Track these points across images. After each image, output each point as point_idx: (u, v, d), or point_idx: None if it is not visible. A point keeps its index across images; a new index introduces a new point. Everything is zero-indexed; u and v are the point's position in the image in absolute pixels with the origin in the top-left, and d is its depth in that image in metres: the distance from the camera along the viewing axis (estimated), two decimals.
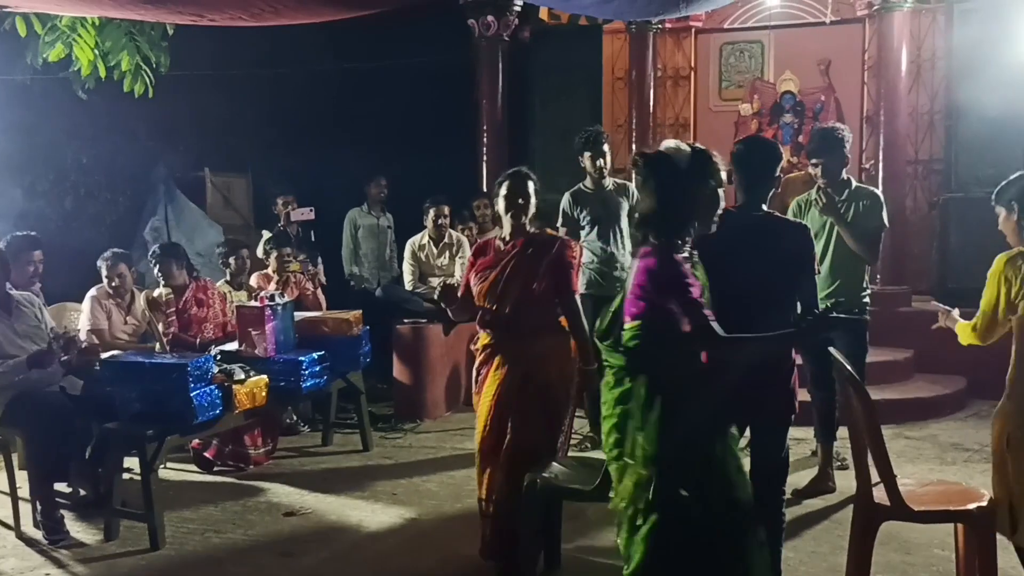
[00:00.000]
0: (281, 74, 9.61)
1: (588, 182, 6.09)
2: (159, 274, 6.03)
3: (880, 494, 3.51)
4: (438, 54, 9.25)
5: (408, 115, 9.61)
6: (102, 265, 5.82)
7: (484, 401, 4.08)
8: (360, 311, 6.30)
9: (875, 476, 3.57)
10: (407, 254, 7.53)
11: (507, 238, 4.14)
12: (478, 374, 4.20)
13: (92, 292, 5.83)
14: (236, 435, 5.72)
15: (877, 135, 7.75)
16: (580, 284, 6.09)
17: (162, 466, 5.18)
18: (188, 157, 9.53)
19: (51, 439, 4.77)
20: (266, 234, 7.41)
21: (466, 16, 8.42)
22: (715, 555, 2.88)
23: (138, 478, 4.77)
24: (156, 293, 6.02)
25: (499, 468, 3.99)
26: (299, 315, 5.97)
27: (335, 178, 8.63)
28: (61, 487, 5.05)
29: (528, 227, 4.10)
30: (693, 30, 9.08)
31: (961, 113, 8.01)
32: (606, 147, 6.00)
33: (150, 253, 6.30)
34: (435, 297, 4.31)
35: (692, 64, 9.18)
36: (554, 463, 4.11)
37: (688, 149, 3.02)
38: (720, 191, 3.09)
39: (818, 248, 4.90)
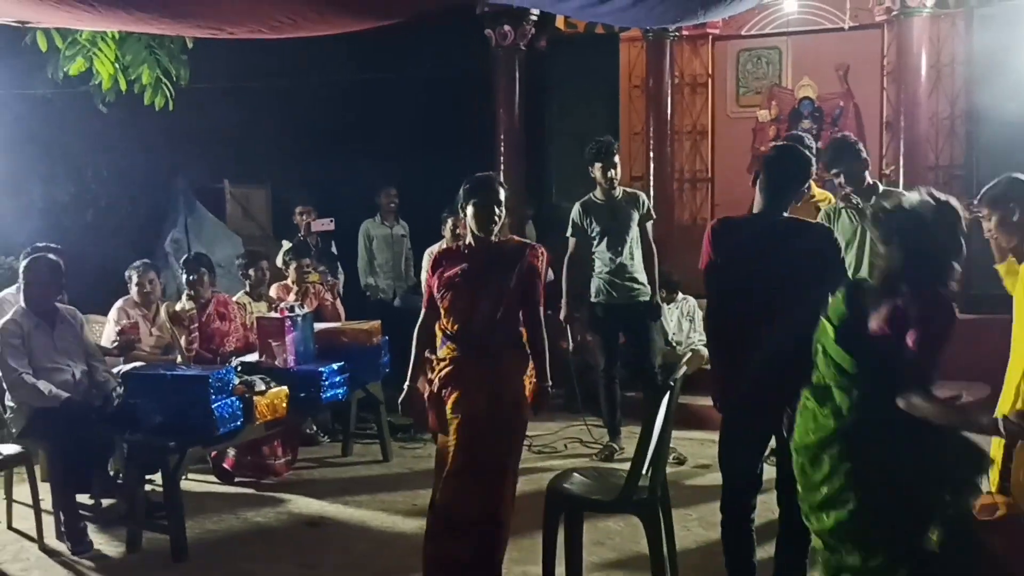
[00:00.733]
0: (299, 85, 9.65)
1: (598, 192, 6.09)
2: (190, 284, 6.04)
3: None
4: (455, 64, 9.27)
5: (425, 125, 9.64)
6: (132, 273, 5.87)
7: (452, 421, 3.83)
8: (379, 321, 6.31)
9: None
10: (425, 263, 7.53)
11: (472, 245, 3.94)
12: (440, 391, 3.90)
13: (119, 303, 5.89)
14: (255, 446, 5.73)
15: (897, 141, 7.69)
16: (591, 293, 6.14)
17: (184, 478, 5.19)
18: (207, 169, 9.59)
19: (73, 451, 4.81)
20: (286, 244, 7.43)
21: (483, 26, 8.43)
22: None
23: (160, 490, 4.79)
24: (178, 307, 6.05)
25: (467, 488, 3.77)
26: (319, 326, 5.98)
27: (353, 188, 8.67)
28: (84, 499, 5.08)
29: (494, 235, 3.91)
30: (710, 37, 9.04)
31: (981, 118, 7.94)
32: (616, 157, 6.00)
33: (182, 265, 6.30)
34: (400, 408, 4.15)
35: (709, 71, 9.15)
36: (575, 473, 4.10)
37: (931, 200, 2.97)
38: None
39: (851, 257, 4.91)
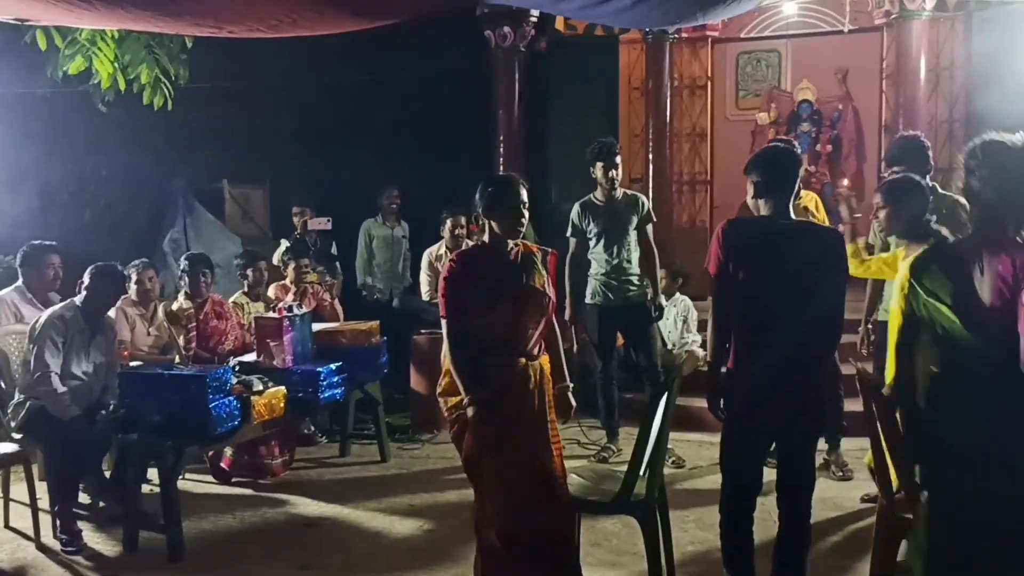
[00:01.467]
0: (298, 86, 9.66)
1: (599, 193, 6.08)
2: (188, 284, 6.04)
3: (903, 507, 3.48)
4: (454, 65, 9.27)
5: (425, 126, 9.64)
6: (131, 272, 5.86)
7: (513, 435, 3.67)
8: (377, 322, 6.31)
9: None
10: (424, 264, 7.53)
11: (497, 250, 3.77)
12: (482, 409, 3.65)
13: (117, 302, 5.87)
14: (253, 446, 5.72)
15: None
16: (587, 294, 6.14)
17: (181, 477, 5.18)
18: (206, 169, 9.58)
19: (69, 451, 4.80)
20: (284, 244, 7.43)
21: (483, 27, 8.43)
22: None
23: (157, 489, 4.78)
24: (175, 306, 6.05)
25: (543, 505, 3.67)
26: (317, 326, 5.97)
27: (352, 188, 8.67)
28: (83, 498, 5.08)
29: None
30: (710, 39, 9.06)
31: (980, 122, 7.93)
32: (618, 158, 5.99)
33: (180, 264, 6.28)
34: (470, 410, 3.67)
35: (709, 73, 9.16)
36: (572, 474, 4.09)
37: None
38: None
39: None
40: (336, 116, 10.10)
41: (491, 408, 3.64)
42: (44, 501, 4.94)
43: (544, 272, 3.80)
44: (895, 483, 3.54)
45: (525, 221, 3.75)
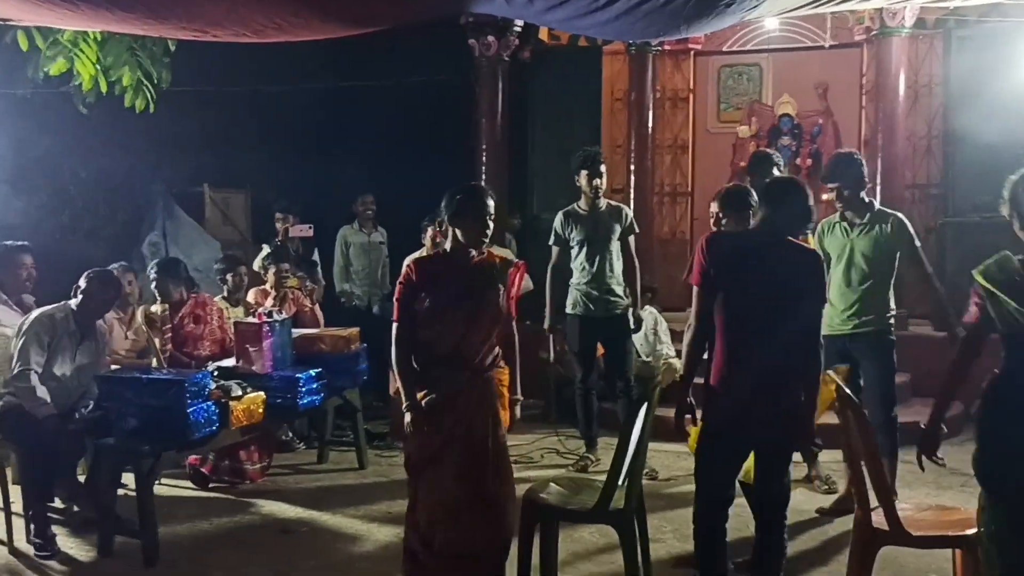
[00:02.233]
0: (281, 91, 9.63)
1: (582, 202, 6.10)
2: (156, 291, 6.01)
3: (879, 519, 3.51)
4: (437, 73, 9.29)
5: (407, 133, 9.64)
6: None
7: (448, 451, 3.69)
8: (357, 328, 6.29)
9: (873, 501, 3.58)
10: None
11: (458, 259, 3.76)
12: (430, 422, 3.67)
13: (110, 311, 5.81)
14: (232, 451, 5.70)
15: (875, 159, 7.77)
16: (568, 304, 6.15)
17: (157, 482, 5.14)
18: (187, 172, 9.54)
19: (42, 451, 4.75)
20: (265, 248, 7.40)
21: (466, 36, 8.45)
22: None
23: (133, 494, 4.74)
24: (153, 309, 6.01)
25: (482, 520, 3.69)
26: (296, 332, 5.96)
27: (334, 195, 8.66)
28: (57, 502, 5.03)
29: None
30: (692, 52, 9.12)
31: (958, 139, 8.05)
32: (602, 167, 6.02)
33: (148, 269, 6.27)
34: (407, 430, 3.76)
35: (691, 86, 9.22)
36: (551, 483, 4.10)
37: None
38: None
39: (839, 271, 4.98)
40: (319, 122, 10.09)
41: (431, 420, 3.67)
42: (18, 505, 4.90)
43: (502, 284, 3.79)
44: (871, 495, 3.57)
45: (490, 232, 3.76)
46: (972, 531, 3.38)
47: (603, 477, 3.88)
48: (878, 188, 7.60)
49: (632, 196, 8.59)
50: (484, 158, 8.52)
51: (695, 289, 3.69)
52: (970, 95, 7.72)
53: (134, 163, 9.15)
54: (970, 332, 3.11)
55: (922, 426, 3.32)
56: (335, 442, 6.65)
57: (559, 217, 6.18)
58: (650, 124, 8.73)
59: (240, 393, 5.05)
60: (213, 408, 4.77)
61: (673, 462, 6.16)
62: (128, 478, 4.92)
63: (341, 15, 4.38)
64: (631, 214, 6.21)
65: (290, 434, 6.77)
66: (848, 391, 3.66)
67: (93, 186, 9.31)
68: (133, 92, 6.32)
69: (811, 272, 3.63)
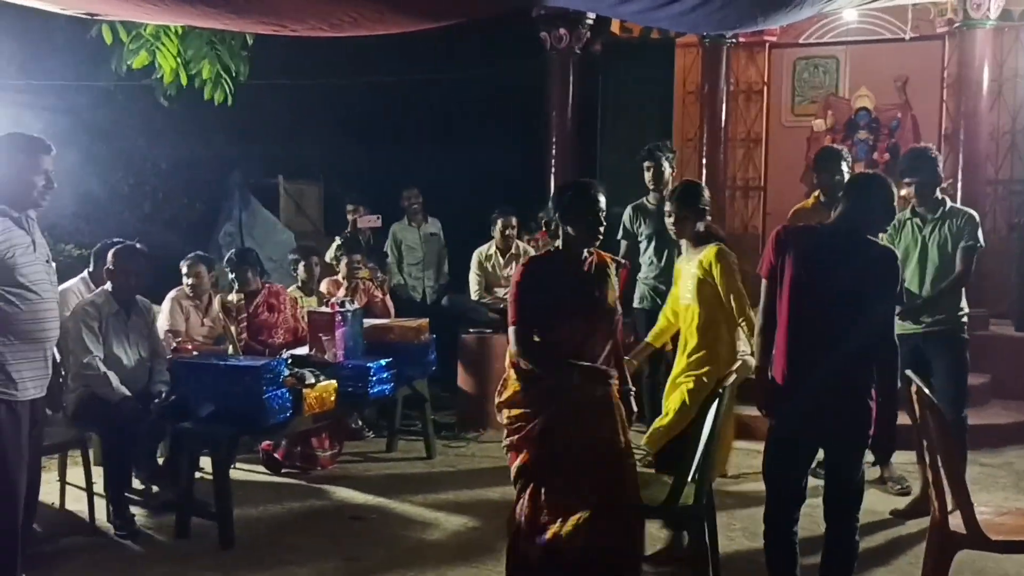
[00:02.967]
0: (355, 84, 9.76)
1: (651, 197, 6.07)
2: (234, 279, 6.15)
3: (956, 522, 3.43)
4: (508, 65, 9.31)
5: (477, 125, 9.69)
6: (183, 265, 5.98)
7: (575, 457, 3.60)
8: (426, 319, 6.36)
9: (951, 503, 3.50)
10: (473, 264, 7.57)
11: (571, 259, 3.67)
12: (548, 426, 3.59)
13: (172, 293, 5.99)
14: (304, 437, 5.81)
15: (956, 154, 7.57)
16: (635, 298, 6.12)
17: (232, 466, 5.27)
18: (263, 164, 9.74)
19: (121, 435, 4.91)
20: (338, 240, 7.51)
21: (538, 29, 8.45)
22: None
23: (210, 477, 4.87)
24: (230, 298, 6.15)
25: (616, 526, 3.58)
26: (367, 322, 6.04)
27: (404, 186, 8.74)
28: (136, 484, 5.19)
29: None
30: (767, 44, 8.98)
31: None
32: (664, 161, 5.98)
33: (225, 259, 6.42)
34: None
35: (765, 79, 9.09)
36: None
37: None
38: None
39: (912, 268, 4.89)
40: (391, 114, 10.20)
41: (557, 428, 3.55)
42: (99, 486, 5.05)
43: (616, 286, 3.78)
44: (949, 499, 3.49)
45: (602, 229, 3.66)
46: None
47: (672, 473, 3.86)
48: (959, 184, 7.40)
49: None
50: (554, 151, 8.51)
51: (764, 282, 3.65)
52: None
53: (212, 155, 9.37)
54: None
55: None
56: (404, 431, 6.73)
57: (628, 211, 6.15)
58: (723, 117, 8.61)
59: (313, 381, 5.13)
60: (287, 395, 4.87)
61: (743, 459, 6.08)
62: (205, 461, 5.06)
63: (417, 10, 4.43)
64: None
65: (359, 422, 6.87)
66: (927, 392, 3.58)
67: (173, 177, 9.57)
68: (212, 85, 6.47)
69: (887, 270, 3.55)
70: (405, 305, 7.90)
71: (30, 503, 3.99)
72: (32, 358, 3.75)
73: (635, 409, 3.92)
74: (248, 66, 6.70)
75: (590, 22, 8.35)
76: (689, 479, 3.78)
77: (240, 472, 5.81)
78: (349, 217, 7.79)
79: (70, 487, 5.22)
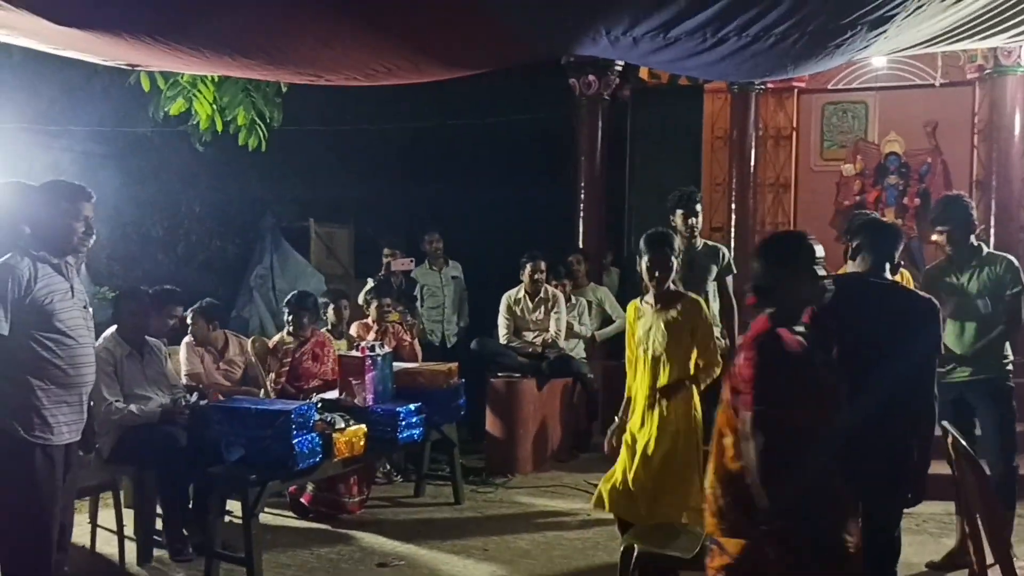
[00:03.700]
0: (386, 129, 9.88)
1: (678, 242, 6.05)
2: (291, 321, 6.19)
3: None
4: (538, 111, 9.40)
5: (507, 169, 9.77)
6: (187, 315, 6.01)
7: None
8: (456, 363, 6.36)
9: (989, 557, 3.43)
10: (502, 308, 7.58)
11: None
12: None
13: (186, 339, 6.02)
14: (332, 483, 5.80)
15: (988, 200, 7.54)
16: None
17: (260, 510, 5.27)
18: (294, 208, 9.86)
19: (174, 471, 5.01)
20: (370, 282, 7.52)
21: (567, 75, 8.54)
22: None
23: (238, 521, 4.87)
24: (277, 339, 6.21)
25: None
26: (397, 366, 6.05)
27: (435, 231, 8.80)
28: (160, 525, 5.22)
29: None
30: (796, 90, 9.01)
31: None
32: (698, 207, 5.98)
33: (285, 300, 6.44)
34: None
35: (794, 123, 9.10)
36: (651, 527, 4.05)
37: None
38: None
39: (951, 315, 4.83)
40: (421, 159, 10.30)
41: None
42: (130, 528, 5.07)
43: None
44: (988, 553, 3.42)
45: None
46: None
47: None
48: (991, 230, 7.36)
49: (733, 235, 8.50)
50: (582, 195, 8.57)
51: None
52: None
53: (244, 198, 9.51)
54: None
55: None
56: (432, 476, 6.70)
57: None
58: (752, 162, 8.64)
59: (343, 425, 5.14)
60: (317, 439, 4.88)
61: None
62: (233, 504, 5.06)
63: (449, 59, 4.49)
64: (729, 254, 6.13)
65: (387, 466, 6.85)
66: (964, 443, 3.53)
67: (206, 220, 9.70)
68: (247, 131, 6.58)
69: (922, 319, 3.52)
70: (424, 349, 7.92)
71: (63, 545, 4.01)
72: (68, 403, 3.79)
73: None
74: (281, 112, 6.82)
75: (619, 68, 8.43)
76: None
77: (268, 516, 5.80)
78: (384, 260, 7.79)
79: (101, 530, 5.25)
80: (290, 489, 5.82)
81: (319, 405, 5.27)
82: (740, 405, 2.84)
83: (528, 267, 7.43)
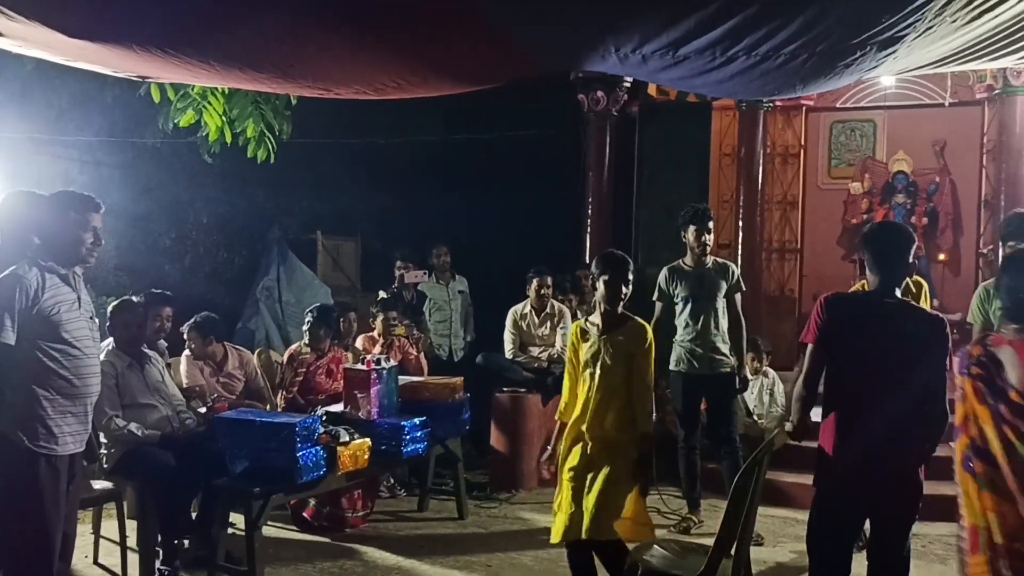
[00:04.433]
0: (394, 144, 9.90)
1: (688, 259, 6.04)
2: (308, 334, 6.21)
3: None
4: (547, 127, 9.41)
5: (515, 184, 9.78)
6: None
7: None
8: (461, 378, 6.34)
9: None
10: (508, 323, 7.57)
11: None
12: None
13: (185, 351, 6.01)
14: (335, 497, 5.78)
15: (997, 220, 7.51)
16: (671, 361, 6.06)
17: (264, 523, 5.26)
18: (302, 220, 9.88)
19: (161, 491, 4.93)
20: (382, 294, 7.51)
21: (576, 91, 8.56)
22: None
23: (241, 534, 4.86)
24: (295, 348, 6.22)
25: None
26: (402, 379, 6.04)
27: (442, 245, 8.80)
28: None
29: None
30: (804, 108, 9.02)
31: None
32: (711, 223, 5.97)
33: (308, 310, 6.44)
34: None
35: (802, 142, 9.11)
36: (656, 546, 4.03)
37: None
38: None
39: None
40: (429, 173, 10.32)
41: None
42: (133, 539, 5.06)
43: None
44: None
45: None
46: None
47: (706, 540, 3.79)
48: (999, 250, 7.32)
49: (740, 252, 8.49)
50: (590, 211, 8.58)
51: (808, 347, 3.63)
52: None
53: (252, 209, 9.52)
54: None
55: None
56: (435, 490, 6.68)
57: (663, 273, 6.13)
58: (760, 179, 8.64)
59: (347, 439, 5.12)
60: (321, 452, 4.87)
61: (780, 527, 5.98)
62: (235, 517, 5.05)
63: (457, 73, 4.50)
64: (737, 271, 6.12)
65: (391, 480, 6.83)
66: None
67: (213, 231, 9.72)
68: (256, 143, 6.60)
69: (935, 338, 3.51)
70: (430, 363, 7.91)
71: (65, 556, 4.00)
72: (73, 413, 3.79)
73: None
74: (291, 125, 6.84)
75: (627, 85, 8.46)
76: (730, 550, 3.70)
77: (271, 529, 5.79)
78: (397, 272, 7.77)
79: (104, 540, 5.24)
80: (291, 502, 5.80)
81: (324, 418, 5.26)
82: None
83: (534, 282, 7.43)
